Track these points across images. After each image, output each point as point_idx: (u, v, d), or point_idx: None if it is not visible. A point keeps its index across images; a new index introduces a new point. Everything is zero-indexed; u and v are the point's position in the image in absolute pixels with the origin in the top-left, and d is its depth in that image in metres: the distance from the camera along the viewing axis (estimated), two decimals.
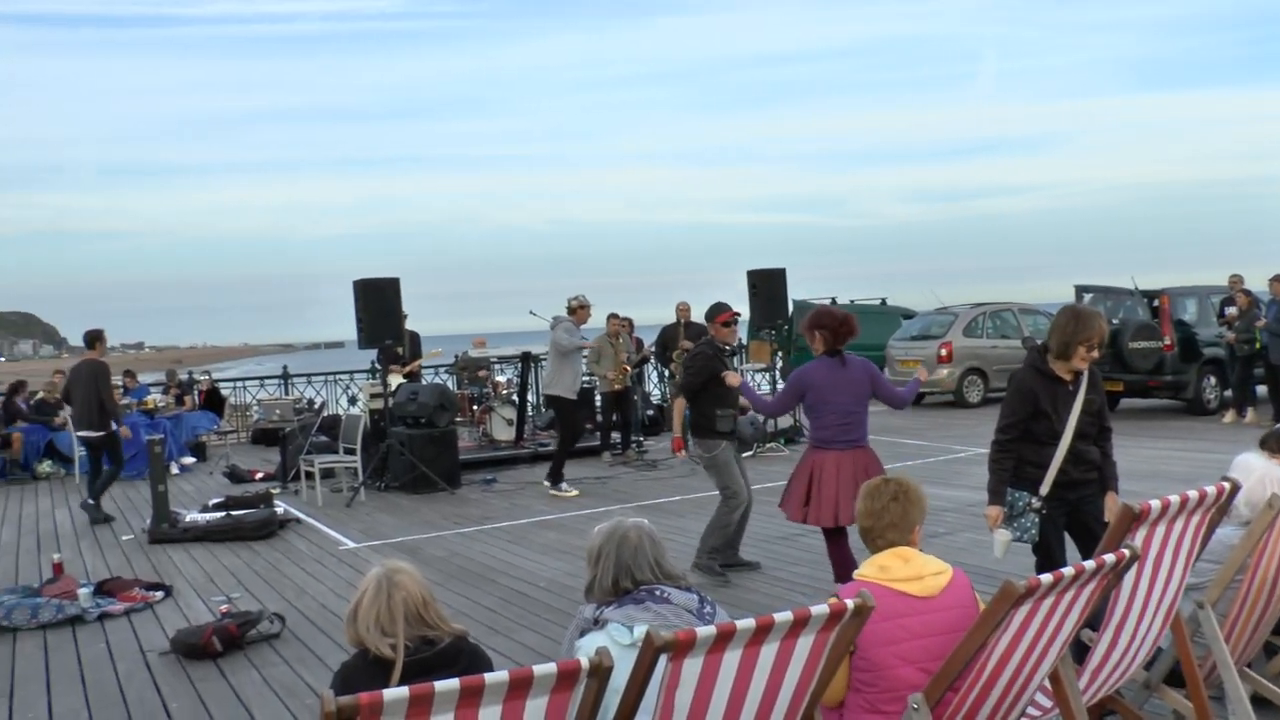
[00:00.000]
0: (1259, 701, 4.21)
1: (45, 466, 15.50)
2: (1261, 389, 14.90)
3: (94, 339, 11.46)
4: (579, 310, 12.24)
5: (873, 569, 3.44)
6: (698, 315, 14.38)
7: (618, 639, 3.16)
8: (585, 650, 3.06)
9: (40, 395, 16.49)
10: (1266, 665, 4.72)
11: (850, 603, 2.90)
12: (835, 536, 6.81)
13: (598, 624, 3.29)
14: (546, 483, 11.68)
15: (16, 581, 8.51)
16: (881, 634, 3.28)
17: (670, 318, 15.07)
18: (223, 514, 10.47)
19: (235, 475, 14.13)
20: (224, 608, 7.12)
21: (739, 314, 7.74)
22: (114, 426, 11.32)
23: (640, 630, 3.15)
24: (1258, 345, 14.26)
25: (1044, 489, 5.02)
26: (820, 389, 6.68)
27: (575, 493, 11.53)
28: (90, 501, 11.31)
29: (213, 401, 18.50)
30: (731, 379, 7.39)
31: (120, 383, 17.01)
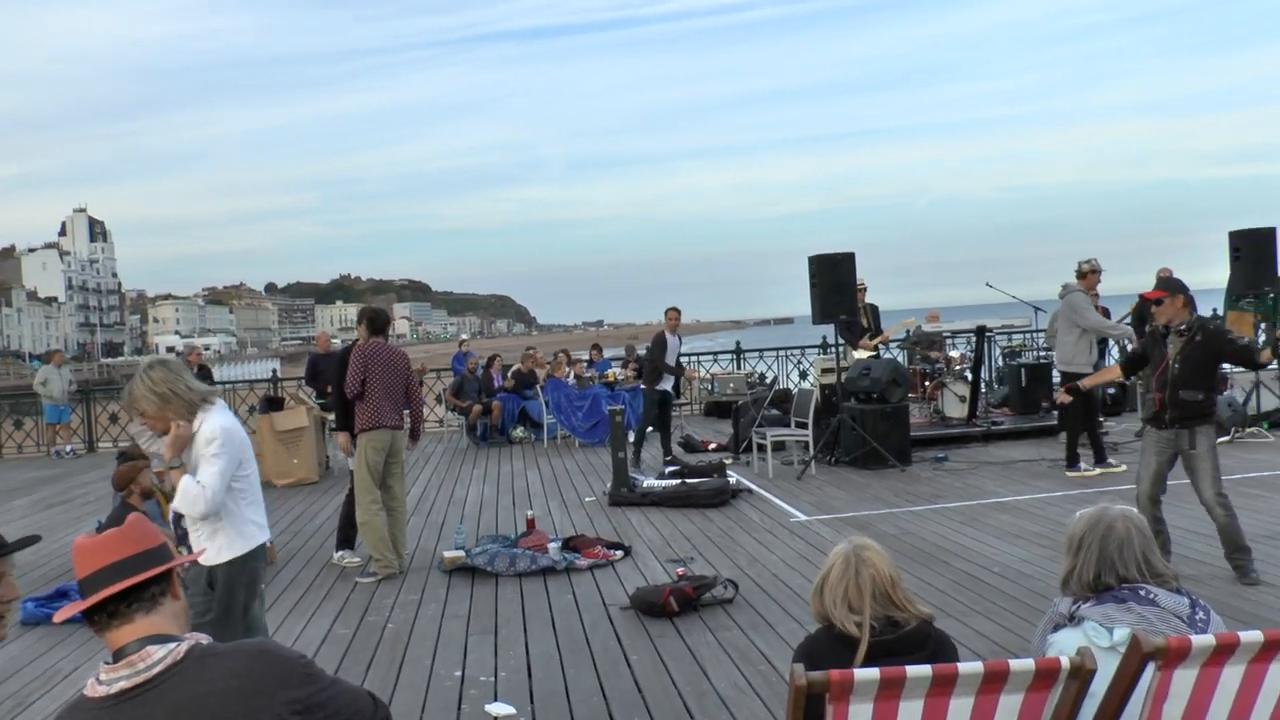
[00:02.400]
0: None
1: (519, 432, 16.88)
2: None
3: (667, 311, 13.51)
4: (1089, 275, 11.41)
5: None
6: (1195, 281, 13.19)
7: (1095, 639, 2.89)
8: (1060, 647, 2.84)
9: (517, 367, 17.91)
10: None
11: None
12: None
13: (1073, 620, 3.03)
14: (1077, 472, 10.97)
15: (496, 532, 9.31)
16: None
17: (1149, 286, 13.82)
18: (678, 481, 10.88)
19: (689, 445, 14.66)
20: (680, 570, 7.38)
21: (1160, 294, 7.01)
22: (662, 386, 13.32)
23: (1121, 633, 2.87)
24: None
25: None
26: None
27: (1097, 471, 10.86)
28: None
29: None
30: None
31: (587, 356, 18.19)
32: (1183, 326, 6.94)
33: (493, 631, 6.48)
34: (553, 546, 8.14)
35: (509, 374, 17.72)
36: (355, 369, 8.10)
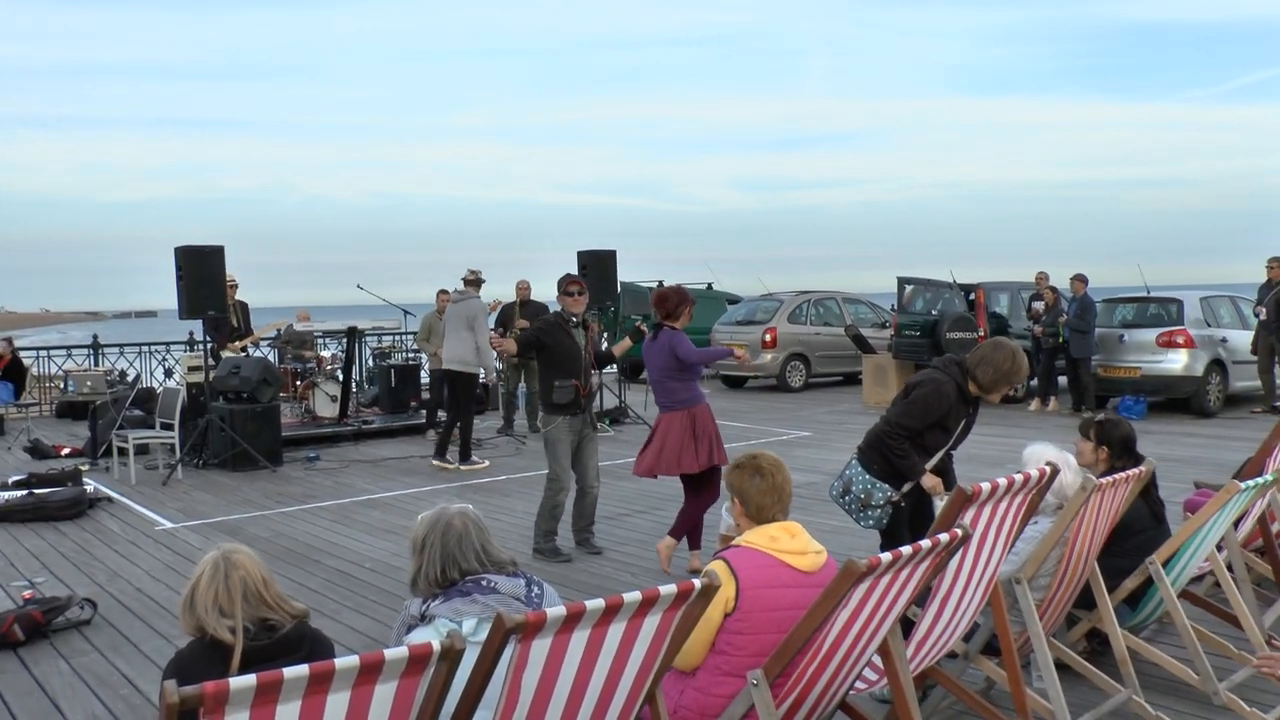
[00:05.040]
0: (1060, 667, 4.45)
1: None
2: (1063, 379, 15.79)
3: None
4: (477, 284, 12.47)
5: (762, 538, 3.56)
6: (538, 294, 14.33)
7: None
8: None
9: None
10: (1067, 634, 5.02)
11: (698, 583, 2.93)
12: (696, 492, 7.21)
13: (425, 619, 3.24)
14: (443, 463, 11.66)
15: None
16: (767, 600, 3.40)
17: (509, 296, 14.83)
18: (24, 492, 9.91)
19: (38, 451, 13.39)
20: (27, 593, 6.77)
21: (581, 284, 7.81)
22: None
23: (469, 624, 3.13)
24: (1060, 339, 15.15)
25: (905, 488, 5.39)
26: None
27: (486, 464, 11.79)
28: None
29: (12, 371, 17.45)
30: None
31: None
32: (586, 319, 7.80)
33: None
34: None
35: None
36: None
